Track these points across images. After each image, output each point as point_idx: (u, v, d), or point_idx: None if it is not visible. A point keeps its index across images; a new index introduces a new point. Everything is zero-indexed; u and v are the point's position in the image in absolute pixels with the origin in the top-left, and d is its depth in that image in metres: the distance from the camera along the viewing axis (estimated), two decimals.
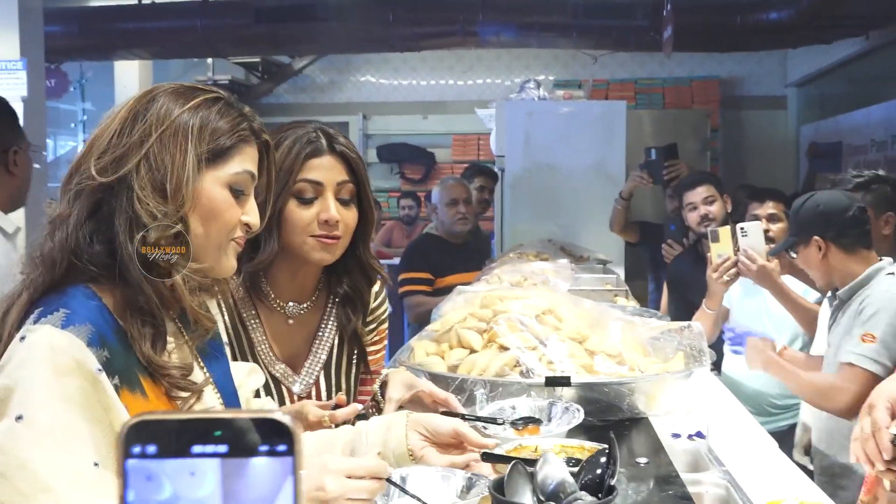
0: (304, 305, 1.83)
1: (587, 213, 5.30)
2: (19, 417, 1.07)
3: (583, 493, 0.82)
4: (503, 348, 1.70)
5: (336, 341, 1.87)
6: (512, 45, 7.85)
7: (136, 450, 0.50)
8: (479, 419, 1.50)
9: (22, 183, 2.33)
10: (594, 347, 1.79)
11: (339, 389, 1.85)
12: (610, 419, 1.61)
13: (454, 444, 1.34)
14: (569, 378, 1.57)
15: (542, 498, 0.86)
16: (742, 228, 3.25)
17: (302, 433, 0.52)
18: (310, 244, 1.74)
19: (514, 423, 1.49)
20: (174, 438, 0.50)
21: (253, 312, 1.77)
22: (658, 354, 1.85)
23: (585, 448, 1.35)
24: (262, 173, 1.35)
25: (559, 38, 6.96)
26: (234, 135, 1.27)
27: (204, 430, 0.50)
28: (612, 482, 0.88)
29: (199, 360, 1.31)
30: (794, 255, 2.80)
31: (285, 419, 0.51)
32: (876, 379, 2.39)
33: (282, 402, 1.80)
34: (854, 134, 6.57)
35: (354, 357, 1.87)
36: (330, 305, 1.87)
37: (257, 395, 1.56)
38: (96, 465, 1.11)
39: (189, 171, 1.21)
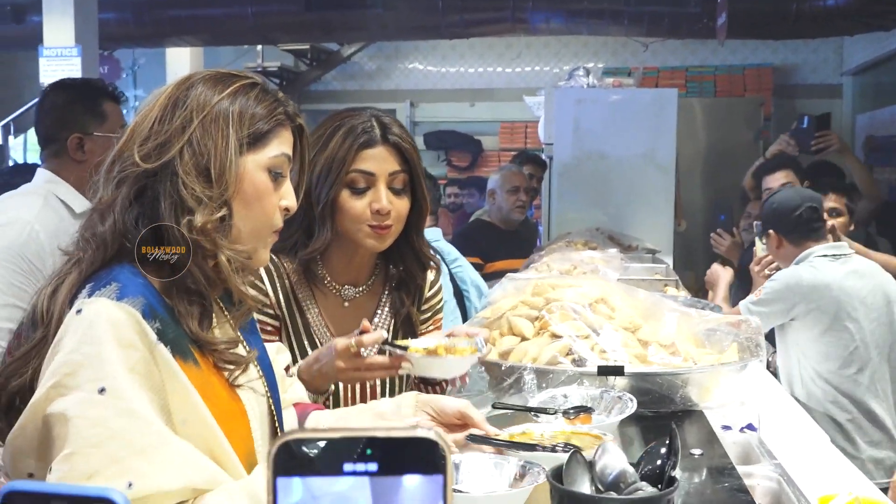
0: (360, 289, 1.86)
1: (636, 202, 5.24)
2: (102, 390, 1.10)
3: (644, 482, 0.82)
4: (555, 336, 1.69)
5: (391, 326, 1.89)
6: (561, 33, 7.78)
7: (287, 466, 0.49)
8: (529, 409, 1.49)
9: (91, 168, 2.35)
10: (647, 337, 1.77)
11: None
12: (662, 410, 1.59)
13: (459, 425, 1.42)
14: (622, 367, 1.56)
15: (600, 487, 0.85)
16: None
17: (451, 452, 0.52)
18: (364, 232, 1.78)
19: (565, 413, 1.49)
20: (325, 456, 0.49)
21: (309, 293, 1.81)
22: (713, 346, 1.83)
23: (592, 435, 1.36)
24: (295, 157, 1.38)
25: (609, 25, 6.88)
26: (271, 119, 1.30)
27: (355, 448, 0.49)
28: (673, 473, 0.87)
29: (241, 336, 1.34)
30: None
31: (437, 437, 0.51)
32: None
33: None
34: None
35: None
36: (385, 290, 1.90)
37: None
38: (184, 421, 1.16)
39: (231, 155, 1.25)
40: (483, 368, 1.75)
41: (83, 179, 2.34)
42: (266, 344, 1.49)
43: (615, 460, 0.87)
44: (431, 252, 1.92)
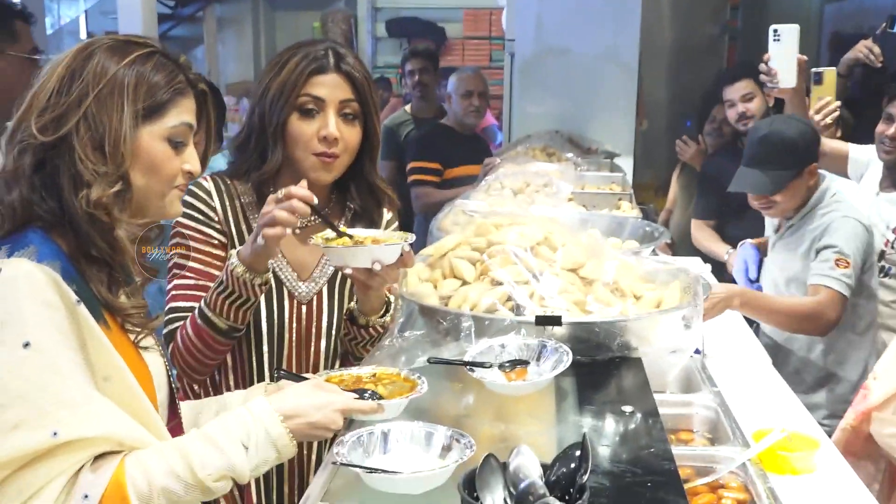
0: (314, 217, 1.83)
1: (598, 101, 5.16)
2: (27, 344, 1.15)
3: (551, 498, 0.81)
4: (495, 282, 1.68)
5: None
6: None
7: None
8: (465, 363, 1.49)
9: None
10: (590, 275, 1.76)
11: (341, 304, 1.88)
12: (599, 358, 1.60)
13: None
14: (559, 317, 1.55)
15: (512, 491, 0.85)
16: (775, 31, 2.99)
17: None
18: (310, 161, 1.80)
19: (501, 366, 1.49)
20: None
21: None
22: (656, 282, 1.83)
23: (401, 378, 1.48)
24: (201, 122, 1.41)
25: None
26: (169, 89, 1.32)
27: None
28: (584, 480, 0.87)
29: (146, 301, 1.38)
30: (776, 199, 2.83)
31: None
32: (845, 300, 2.63)
33: (282, 305, 1.85)
34: (878, 16, 6.30)
35: None
36: (340, 223, 1.89)
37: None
38: (106, 378, 1.22)
39: (126, 130, 1.27)
40: (420, 311, 1.74)
41: None
42: None
43: (528, 466, 0.86)
44: (386, 187, 1.91)
